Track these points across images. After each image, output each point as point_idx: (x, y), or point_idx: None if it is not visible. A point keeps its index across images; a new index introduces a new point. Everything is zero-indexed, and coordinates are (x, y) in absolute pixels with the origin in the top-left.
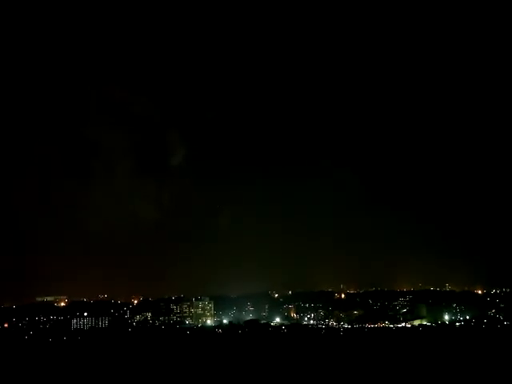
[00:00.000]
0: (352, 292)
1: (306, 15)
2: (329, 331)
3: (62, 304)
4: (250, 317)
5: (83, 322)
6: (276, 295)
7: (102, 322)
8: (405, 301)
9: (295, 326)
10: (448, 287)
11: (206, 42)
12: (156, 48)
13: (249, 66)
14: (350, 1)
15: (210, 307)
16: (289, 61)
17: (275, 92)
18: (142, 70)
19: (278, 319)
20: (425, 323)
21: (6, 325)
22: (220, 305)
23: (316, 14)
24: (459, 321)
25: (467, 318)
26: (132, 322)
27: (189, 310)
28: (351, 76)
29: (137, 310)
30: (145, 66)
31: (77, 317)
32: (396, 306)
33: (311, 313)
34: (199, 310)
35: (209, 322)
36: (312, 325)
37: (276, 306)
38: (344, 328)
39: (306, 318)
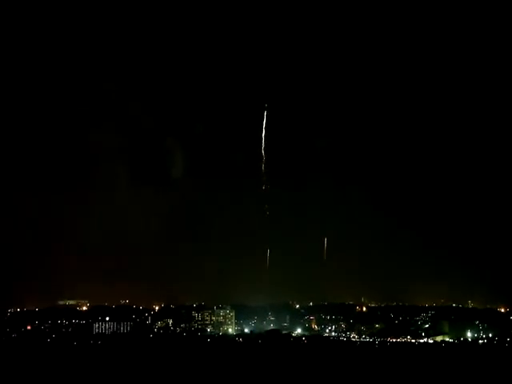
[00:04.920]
0: (373, 306)
1: (300, 20)
2: (352, 344)
3: (84, 308)
4: (271, 327)
5: (105, 327)
6: (297, 306)
7: (123, 327)
8: (427, 316)
9: (316, 338)
10: (470, 304)
11: (208, 50)
12: (159, 56)
13: (248, 74)
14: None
15: (232, 316)
16: (287, 69)
17: (275, 97)
18: (141, 76)
19: (299, 330)
20: (447, 339)
21: (28, 327)
22: (241, 314)
23: (311, 18)
24: (482, 338)
25: (490, 335)
26: (153, 328)
27: (210, 317)
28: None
29: (158, 316)
30: (145, 74)
31: (99, 321)
32: (418, 321)
33: (332, 325)
34: (220, 319)
35: (230, 330)
36: (333, 337)
37: (297, 317)
38: (366, 341)
39: (327, 330)
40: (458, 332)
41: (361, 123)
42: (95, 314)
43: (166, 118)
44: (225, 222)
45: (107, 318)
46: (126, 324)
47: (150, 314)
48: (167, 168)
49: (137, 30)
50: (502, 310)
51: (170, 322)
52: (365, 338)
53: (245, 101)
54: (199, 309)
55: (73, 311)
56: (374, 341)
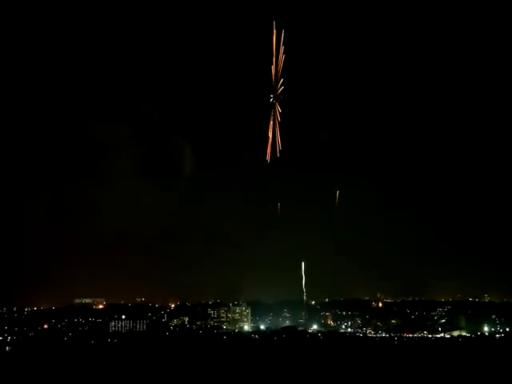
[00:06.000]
0: (389, 301)
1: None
2: (370, 340)
3: (100, 306)
4: (287, 323)
5: (121, 325)
6: (313, 302)
7: (139, 325)
8: (443, 311)
9: (332, 334)
10: (487, 298)
11: (214, 44)
12: (166, 51)
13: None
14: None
15: (248, 313)
16: (290, 65)
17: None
18: (147, 72)
19: (315, 326)
20: (464, 334)
21: (45, 326)
22: (257, 311)
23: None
24: (499, 332)
25: (507, 330)
26: (169, 326)
27: (226, 315)
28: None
29: (174, 313)
30: (150, 70)
31: (115, 319)
32: (434, 316)
33: (348, 321)
34: (236, 316)
35: (246, 327)
36: (349, 333)
37: (313, 313)
38: (384, 337)
39: (343, 326)
40: (474, 326)
41: (368, 117)
42: (111, 312)
43: (174, 112)
44: (236, 219)
45: (123, 316)
46: (142, 322)
47: (165, 312)
48: (176, 162)
49: (141, 23)
50: None
51: (186, 319)
52: (381, 333)
53: (252, 93)
54: (215, 306)
55: (89, 309)
56: (393, 337)
